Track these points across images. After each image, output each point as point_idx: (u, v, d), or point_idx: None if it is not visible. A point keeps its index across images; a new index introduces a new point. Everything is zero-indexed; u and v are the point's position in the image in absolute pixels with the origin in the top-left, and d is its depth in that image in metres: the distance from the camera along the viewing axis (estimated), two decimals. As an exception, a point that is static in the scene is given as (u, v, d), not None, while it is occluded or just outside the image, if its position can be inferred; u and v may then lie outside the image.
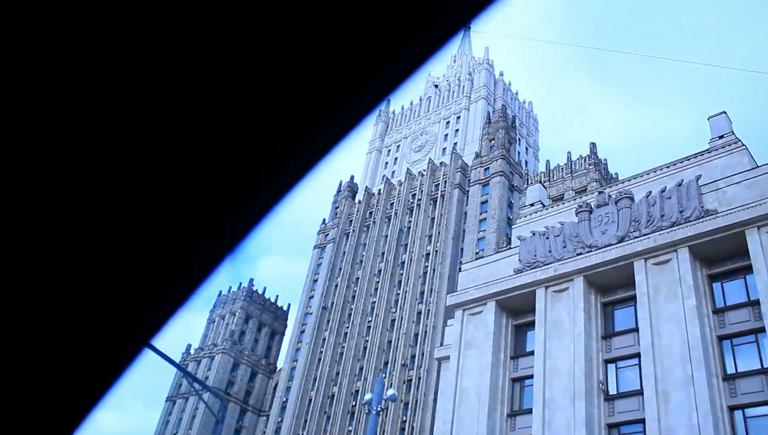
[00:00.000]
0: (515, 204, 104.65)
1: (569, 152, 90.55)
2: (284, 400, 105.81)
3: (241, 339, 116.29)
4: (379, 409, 23.23)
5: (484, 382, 40.80)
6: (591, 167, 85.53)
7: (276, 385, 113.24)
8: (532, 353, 41.65)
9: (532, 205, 51.32)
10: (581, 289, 40.27)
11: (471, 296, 45.00)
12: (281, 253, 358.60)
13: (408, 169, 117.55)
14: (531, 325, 43.25)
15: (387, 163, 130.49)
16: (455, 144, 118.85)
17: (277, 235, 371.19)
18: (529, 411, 39.36)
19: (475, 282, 45.60)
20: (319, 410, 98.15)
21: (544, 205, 50.04)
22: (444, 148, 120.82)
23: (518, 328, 44.05)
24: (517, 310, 43.94)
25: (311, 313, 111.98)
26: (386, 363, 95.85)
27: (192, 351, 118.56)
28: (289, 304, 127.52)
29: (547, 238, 43.51)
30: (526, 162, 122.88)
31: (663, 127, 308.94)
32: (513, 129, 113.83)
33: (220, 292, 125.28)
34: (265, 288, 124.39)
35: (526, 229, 47.67)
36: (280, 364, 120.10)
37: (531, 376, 40.94)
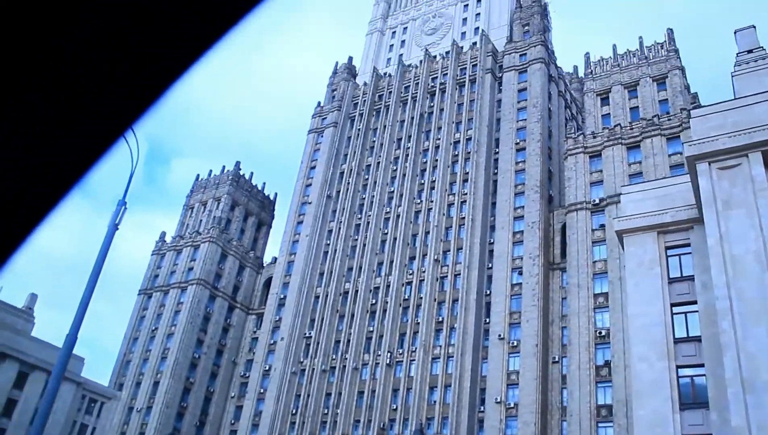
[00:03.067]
0: (553, 95, 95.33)
1: (641, 37, 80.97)
2: (281, 296, 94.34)
3: (226, 228, 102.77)
4: None
5: (772, 247, 31.45)
6: (672, 54, 76.27)
7: (267, 281, 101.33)
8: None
9: (749, 51, 41.61)
10: None
11: (723, 146, 35.04)
12: (195, 155, 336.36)
13: (427, 50, 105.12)
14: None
15: (392, 45, 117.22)
16: (477, 28, 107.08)
17: (188, 137, 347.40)
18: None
19: (723, 129, 35.62)
20: (330, 308, 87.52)
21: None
22: (463, 33, 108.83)
23: (779, 186, 34.72)
24: (780, 164, 34.52)
25: (309, 203, 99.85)
26: (412, 258, 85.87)
27: (168, 239, 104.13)
28: (276, 193, 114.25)
29: (835, 76, 33.94)
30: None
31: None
32: (546, 17, 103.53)
33: (198, 175, 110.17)
34: (252, 173, 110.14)
35: (751, 78, 38.25)
36: (266, 258, 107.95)
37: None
